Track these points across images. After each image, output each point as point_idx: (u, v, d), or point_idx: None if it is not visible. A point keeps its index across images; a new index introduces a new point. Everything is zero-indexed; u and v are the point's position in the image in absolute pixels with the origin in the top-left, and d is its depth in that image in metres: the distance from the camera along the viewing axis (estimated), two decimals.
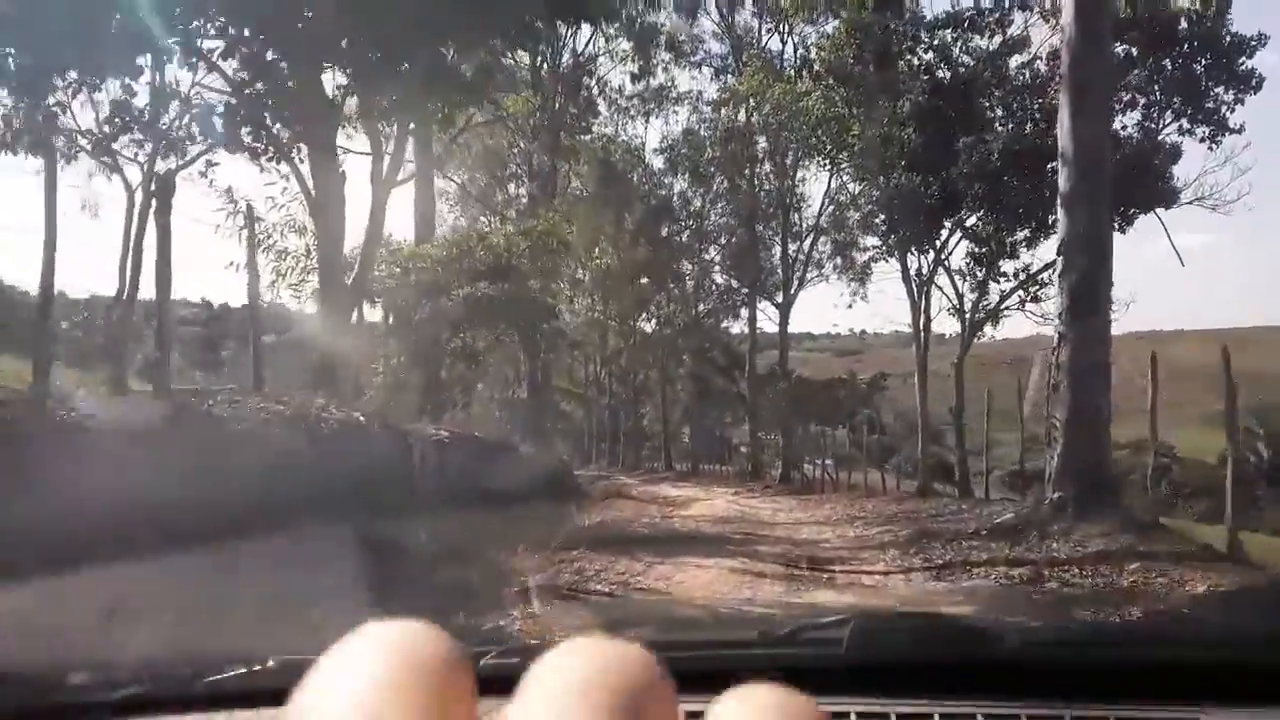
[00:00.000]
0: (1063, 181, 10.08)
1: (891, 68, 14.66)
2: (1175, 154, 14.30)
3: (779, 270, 29.17)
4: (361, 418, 7.39)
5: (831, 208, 27.40)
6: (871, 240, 21.69)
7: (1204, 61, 13.86)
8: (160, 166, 7.97)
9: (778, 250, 29.11)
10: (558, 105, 28.80)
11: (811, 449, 28.11)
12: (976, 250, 14.50)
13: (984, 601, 5.36)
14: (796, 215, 28.37)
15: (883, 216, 15.96)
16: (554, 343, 15.53)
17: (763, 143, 27.57)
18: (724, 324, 39.25)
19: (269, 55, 6.98)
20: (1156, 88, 13.99)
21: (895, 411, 31.52)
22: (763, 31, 29.08)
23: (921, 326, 16.57)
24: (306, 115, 7.03)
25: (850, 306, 29.28)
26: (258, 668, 1.17)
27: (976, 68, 14.39)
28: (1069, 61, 9.94)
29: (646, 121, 39.43)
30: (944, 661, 1.09)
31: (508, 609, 5.82)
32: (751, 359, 32.20)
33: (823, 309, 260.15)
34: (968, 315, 15.48)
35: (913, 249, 16.11)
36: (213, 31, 6.95)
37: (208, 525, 4.94)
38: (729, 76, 23.78)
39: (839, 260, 27.97)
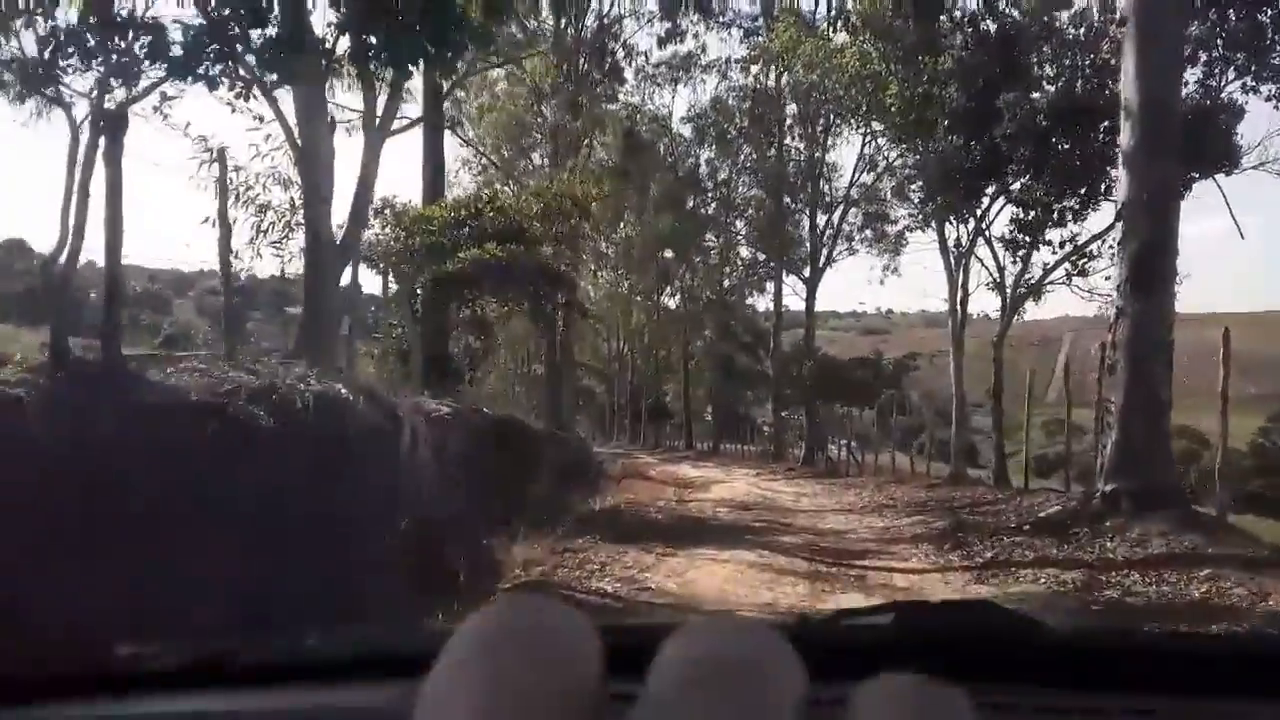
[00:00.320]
0: (1125, 137, 9.08)
1: (932, 21, 13.58)
2: (1239, 113, 13.18)
3: (807, 243, 28.17)
4: (344, 390, 6.58)
5: (864, 176, 26.36)
6: (906, 209, 20.67)
7: (1270, 13, 12.71)
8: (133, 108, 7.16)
9: (806, 222, 28.09)
10: (581, 69, 27.78)
11: (836, 430, 27.21)
12: (1022, 216, 13.46)
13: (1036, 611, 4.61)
14: (827, 185, 27.32)
15: (920, 182, 14.93)
16: (569, 314, 14.64)
17: (792, 108, 26.51)
18: (749, 300, 38.40)
19: None
20: (1218, 42, 12.87)
21: (922, 392, 30.51)
22: None
23: (959, 302, 15.59)
24: (287, 45, 6.23)
25: (883, 282, 28.16)
26: (299, 643, 1.24)
27: (1023, 20, 13.30)
28: (1135, 2, 8.91)
29: (674, 90, 38.39)
30: (991, 649, 1.06)
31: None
32: (776, 336, 31.30)
33: (850, 287, 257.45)
34: (1009, 290, 14.47)
35: (951, 217, 15.09)
36: None
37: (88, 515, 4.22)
38: (759, 37, 22.69)
39: (869, 232, 26.91)
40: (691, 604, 6.42)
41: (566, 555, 8.41)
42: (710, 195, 33.68)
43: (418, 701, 0.29)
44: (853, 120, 18.60)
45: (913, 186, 15.66)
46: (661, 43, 31.63)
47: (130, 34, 5.46)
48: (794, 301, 30.30)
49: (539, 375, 32.23)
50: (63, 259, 5.79)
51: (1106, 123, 12.80)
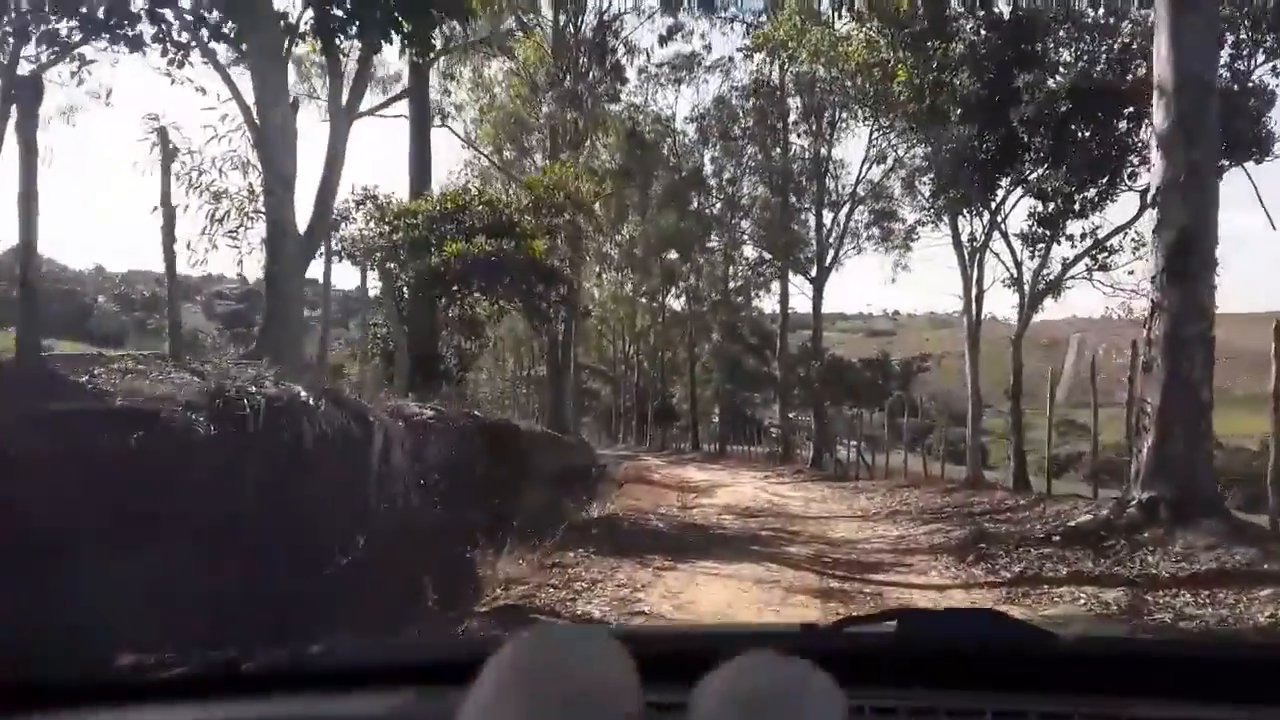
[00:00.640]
0: (1158, 118, 8.39)
1: (942, 5, 12.90)
2: (1270, 99, 12.47)
3: (813, 242, 27.47)
4: (304, 393, 5.90)
5: (871, 171, 25.65)
6: (917, 204, 19.93)
7: None
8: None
9: (812, 220, 27.38)
10: (581, 67, 27.12)
11: (845, 431, 26.49)
12: (1041, 209, 12.75)
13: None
14: (833, 182, 26.60)
15: (931, 175, 14.21)
16: (570, 313, 13.94)
17: (797, 102, 25.82)
18: (755, 301, 37.78)
19: None
20: (1245, 22, 12.16)
21: (930, 393, 29.82)
22: None
23: (974, 299, 14.85)
24: (235, 9, 5.60)
25: (894, 280, 27.43)
26: (303, 652, 1.24)
27: (1038, 2, 12.61)
28: None
29: (677, 90, 37.81)
30: (996, 656, 1.06)
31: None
32: (783, 337, 30.62)
33: (856, 288, 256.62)
34: (1026, 286, 13.74)
35: (965, 211, 14.38)
36: None
37: None
38: (764, 27, 22.07)
39: (877, 230, 26.19)
40: None
41: (554, 571, 7.75)
42: (715, 195, 33.04)
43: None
44: (860, 111, 17.90)
45: (923, 180, 14.97)
46: (663, 40, 31.08)
47: None
48: (800, 303, 29.65)
49: (542, 377, 31.65)
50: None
51: (1130, 109, 12.13)
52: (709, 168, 32.97)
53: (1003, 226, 14.09)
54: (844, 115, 24.10)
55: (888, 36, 13.66)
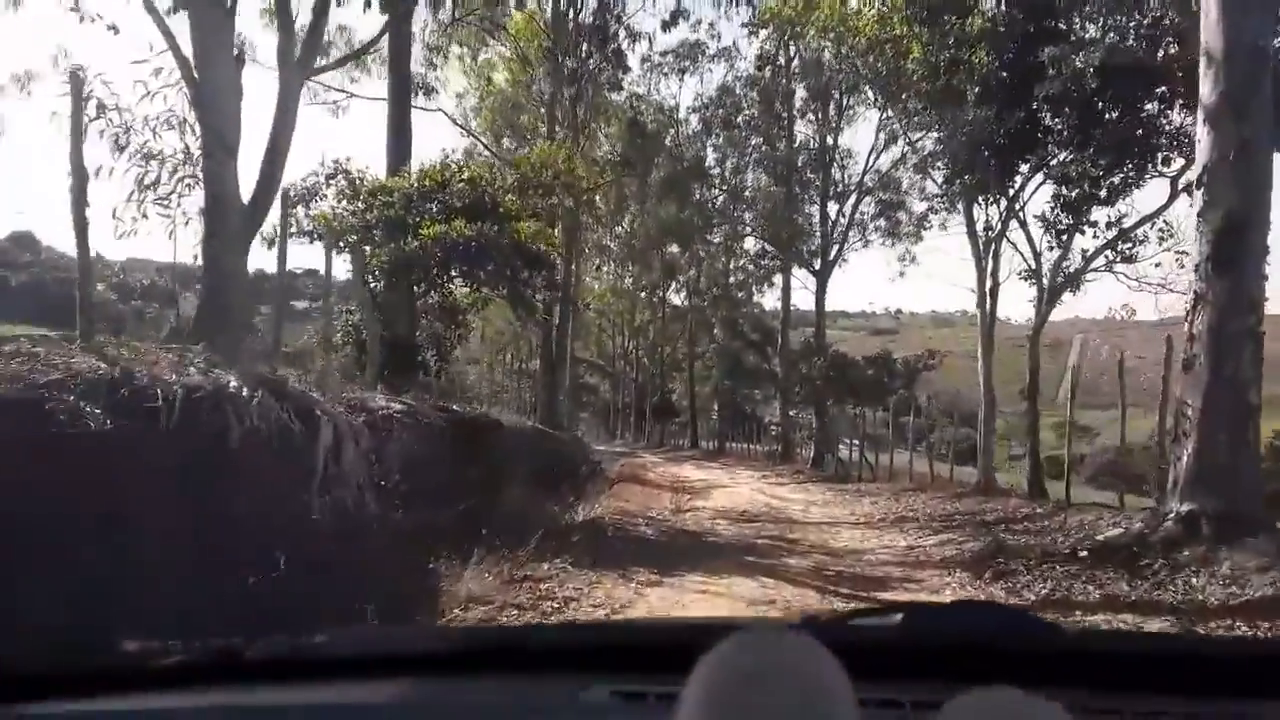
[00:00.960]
0: (1206, 89, 7.56)
1: None
2: None
3: (817, 235, 26.60)
4: (234, 382, 5.08)
5: (880, 160, 24.77)
6: (929, 192, 19.05)
7: None
8: None
9: (816, 211, 26.51)
10: (581, 52, 26.23)
11: (847, 430, 25.66)
12: (1065, 193, 11.87)
13: None
14: (840, 172, 25.71)
15: (946, 159, 13.33)
16: (563, 304, 13.10)
17: (802, 89, 24.95)
18: (757, 296, 37.03)
19: None
20: None
21: (933, 393, 29.00)
22: None
23: (989, 291, 13.97)
24: None
25: (902, 274, 26.62)
26: (306, 640, 1.22)
27: None
28: None
29: (680, 80, 37.00)
30: (1003, 650, 1.06)
31: None
32: (784, 333, 29.80)
33: (858, 286, 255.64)
34: (1045, 279, 12.88)
35: (981, 198, 13.52)
36: None
37: None
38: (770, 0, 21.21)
39: (884, 222, 25.32)
40: None
41: (525, 586, 6.93)
42: (717, 186, 32.24)
43: None
44: (870, 93, 17.01)
45: (937, 165, 14.08)
46: (666, 26, 30.22)
47: None
48: (802, 300, 28.96)
49: (534, 371, 30.89)
50: None
51: (1162, 88, 11.28)
52: (711, 158, 32.17)
53: (1021, 214, 13.24)
54: (852, 100, 23.24)
55: (901, 11, 12.81)
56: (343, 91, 20.15)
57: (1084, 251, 12.80)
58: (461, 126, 26.58)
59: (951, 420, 21.13)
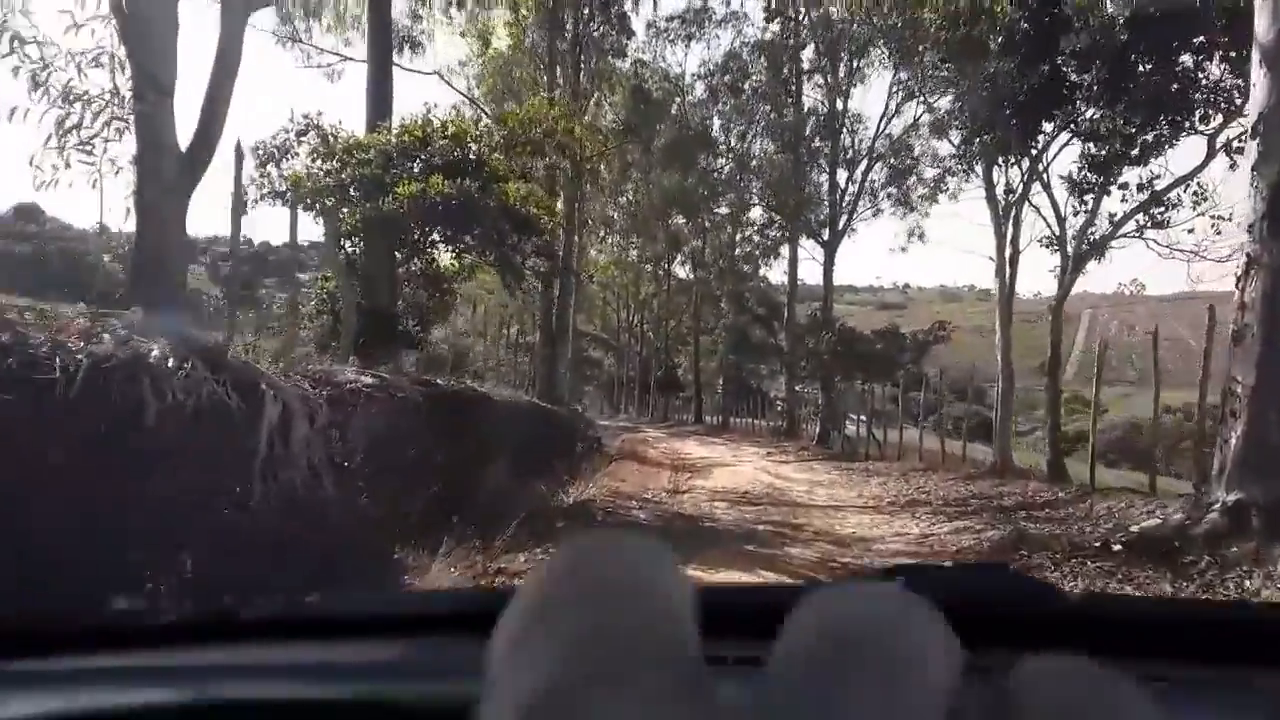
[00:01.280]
0: (1263, 23, 6.75)
1: None
2: None
3: (826, 204, 25.71)
4: (156, 351, 4.37)
5: (891, 125, 23.83)
6: (944, 155, 18.14)
7: None
8: None
9: (825, 180, 25.59)
10: (583, 15, 25.23)
11: (855, 406, 24.92)
12: (1094, 151, 11.02)
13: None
14: (850, 138, 24.76)
15: (964, 118, 12.44)
16: (545, 269, 12.32)
17: (811, 51, 23.99)
18: (763, 269, 36.24)
19: None
20: None
21: (941, 368, 28.34)
22: None
23: (1008, 260, 13.14)
24: None
25: (913, 241, 25.68)
26: (299, 601, 1.25)
27: None
28: None
29: (687, 46, 36.02)
30: (1002, 614, 1.03)
31: None
32: (791, 306, 29.02)
33: (866, 260, 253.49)
34: (1070, 245, 12.03)
35: (1001, 159, 12.66)
36: None
37: None
38: None
39: (895, 190, 24.43)
40: None
41: (497, 579, 6.25)
42: (723, 154, 31.34)
43: (493, 645, 0.26)
44: (884, 48, 16.07)
45: (955, 123, 13.20)
46: None
47: None
48: (809, 273, 28.25)
49: (533, 344, 30.21)
50: None
51: (1200, 38, 10.41)
52: (717, 126, 31.29)
53: (1045, 176, 12.38)
54: (863, 62, 22.28)
55: None
56: (336, 55, 19.32)
57: (1111, 216, 11.98)
58: (450, 84, 25.63)
59: (964, 397, 20.37)
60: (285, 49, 21.34)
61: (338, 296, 10.38)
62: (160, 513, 4.34)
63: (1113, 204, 12.66)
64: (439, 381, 10.81)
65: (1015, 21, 11.13)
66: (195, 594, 3.97)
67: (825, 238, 25.51)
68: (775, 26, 26.37)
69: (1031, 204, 12.90)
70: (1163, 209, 11.51)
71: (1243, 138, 10.85)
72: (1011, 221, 13.09)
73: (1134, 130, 10.40)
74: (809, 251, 27.26)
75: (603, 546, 0.29)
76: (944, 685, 0.26)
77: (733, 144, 31.29)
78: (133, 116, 5.76)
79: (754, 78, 28.98)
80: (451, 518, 7.81)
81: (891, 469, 15.52)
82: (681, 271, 45.38)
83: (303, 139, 9.89)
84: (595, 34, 26.31)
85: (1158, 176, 11.22)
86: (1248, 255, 6.65)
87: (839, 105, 24.85)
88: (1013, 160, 12.66)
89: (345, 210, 10.10)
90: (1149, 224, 11.65)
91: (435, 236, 10.65)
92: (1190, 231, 11.46)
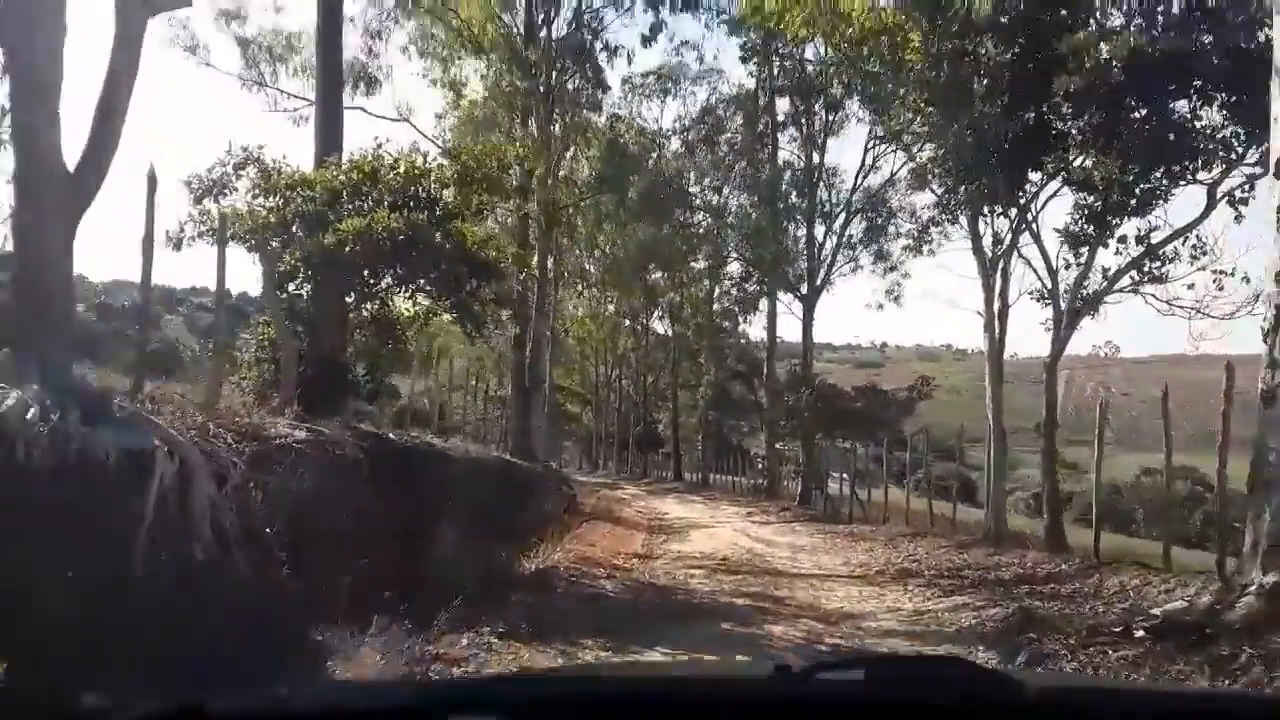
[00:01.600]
0: None
1: None
2: None
3: (804, 258, 25.25)
4: (10, 400, 3.52)
5: (869, 179, 23.51)
6: (918, 213, 17.67)
7: None
8: None
9: (803, 233, 25.17)
10: (557, 70, 24.76)
11: (837, 464, 24.15)
12: (1088, 201, 10.44)
13: None
14: (827, 191, 24.41)
15: (948, 164, 11.86)
16: (508, 317, 11.52)
17: (785, 105, 23.72)
18: (742, 326, 35.79)
19: None
20: None
21: (921, 428, 27.80)
22: None
23: (996, 315, 12.49)
24: None
25: (892, 298, 25.05)
26: (269, 693, 1.33)
27: None
28: None
29: (662, 102, 35.94)
30: (963, 707, 1.10)
31: None
32: (770, 362, 28.39)
33: (843, 319, 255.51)
34: (1064, 299, 11.38)
35: (987, 209, 12.10)
36: None
37: None
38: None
39: (875, 246, 24.01)
40: None
41: (434, 668, 5.36)
42: (700, 209, 31.05)
43: None
44: (862, 91, 15.57)
45: (937, 170, 12.65)
46: (646, 40, 29.06)
47: None
48: (787, 331, 27.64)
49: (505, 399, 29.33)
50: None
51: (1197, 82, 9.96)
52: (694, 183, 31.07)
53: (1035, 226, 11.82)
54: (839, 114, 22.01)
55: None
56: (301, 98, 18.71)
57: (1105, 270, 11.40)
58: (415, 127, 25.09)
59: (950, 456, 19.64)
60: (251, 93, 20.72)
61: (277, 342, 9.54)
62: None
63: (1106, 257, 12.14)
64: (390, 436, 9.96)
65: (1002, 63, 10.67)
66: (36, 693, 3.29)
67: (803, 292, 24.99)
68: (750, 81, 26.19)
69: (1022, 255, 12.34)
70: (1159, 263, 10.97)
71: (1244, 188, 10.37)
72: (1000, 274, 12.51)
73: (1131, 179, 9.85)
74: (787, 306, 26.79)
75: None
76: None
77: (709, 197, 31.02)
78: (10, 127, 5.02)
79: (729, 133, 28.86)
80: (401, 588, 6.95)
81: (878, 532, 14.70)
82: (660, 327, 44.93)
83: (241, 172, 9.14)
84: (570, 86, 25.95)
85: (1155, 228, 10.70)
86: (1276, 307, 5.99)
87: (815, 159, 24.56)
88: (999, 210, 12.12)
89: (286, 249, 9.33)
90: (1146, 279, 11.09)
91: (388, 280, 9.90)
92: (1190, 287, 10.90)
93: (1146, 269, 11.20)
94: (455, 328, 12.92)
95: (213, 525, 5.44)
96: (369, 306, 10.30)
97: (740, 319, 35.21)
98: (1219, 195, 10.24)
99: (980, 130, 10.90)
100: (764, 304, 28.46)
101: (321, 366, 9.82)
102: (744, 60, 23.78)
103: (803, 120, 23.86)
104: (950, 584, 8.96)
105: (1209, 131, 10.11)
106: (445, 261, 9.39)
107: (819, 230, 24.86)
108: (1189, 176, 10.17)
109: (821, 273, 24.70)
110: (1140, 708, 1.22)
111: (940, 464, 25.29)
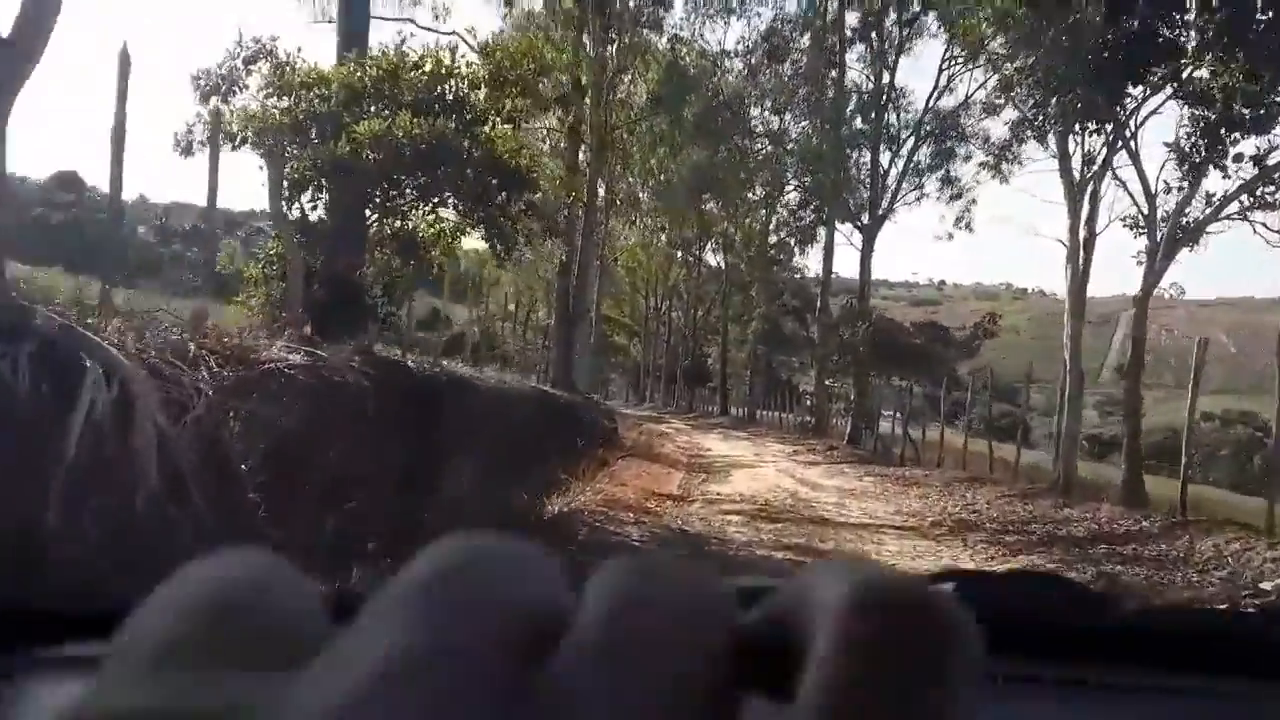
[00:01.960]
0: None
1: None
2: None
3: (866, 186, 23.88)
4: None
5: (941, 100, 21.96)
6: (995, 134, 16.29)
7: None
8: None
9: (866, 158, 23.75)
10: None
11: (889, 403, 23.13)
12: (1201, 114, 9.11)
13: None
14: (895, 114, 22.90)
15: (1037, 77, 10.51)
16: (533, 229, 10.55)
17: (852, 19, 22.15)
18: (796, 259, 34.56)
19: None
20: None
21: (982, 366, 26.53)
22: None
23: (1082, 244, 11.25)
24: None
25: (960, 228, 23.72)
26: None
27: None
28: None
29: (726, 22, 34.29)
30: (1058, 624, 1.02)
31: None
32: (824, 295, 27.18)
33: (900, 256, 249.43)
34: (1161, 227, 10.13)
35: (1078, 125, 10.77)
36: None
37: None
38: None
39: (943, 169, 22.55)
40: None
41: None
42: (759, 134, 29.68)
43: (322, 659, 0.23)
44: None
45: (1026, 82, 11.28)
46: None
47: None
48: (843, 266, 26.42)
49: (548, 327, 28.75)
50: None
51: None
52: (754, 104, 29.65)
53: (1133, 144, 10.49)
54: (913, 28, 20.43)
55: None
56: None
57: (1209, 195, 10.09)
58: (470, 45, 24.01)
59: (1010, 398, 18.48)
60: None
61: (285, 258, 8.82)
62: None
63: (1209, 182, 10.69)
64: (408, 364, 9.27)
65: None
66: None
67: (864, 222, 23.69)
68: None
69: (1117, 178, 11.02)
70: (1274, 188, 9.63)
71: None
72: (1088, 199, 11.24)
73: (1258, 88, 8.50)
74: (846, 237, 25.52)
75: (469, 546, 0.23)
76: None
77: (769, 122, 29.59)
78: None
79: (794, 53, 27.38)
80: (405, 532, 6.32)
81: (932, 477, 13.78)
82: (712, 259, 43.81)
83: (252, 68, 8.33)
84: (631, 3, 24.68)
85: (1275, 148, 9.33)
86: None
87: (884, 79, 22.99)
88: (1092, 127, 10.79)
89: (297, 154, 8.55)
90: (1255, 205, 9.78)
91: (410, 192, 9.09)
92: None
93: (1260, 193, 9.87)
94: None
95: (166, 465, 4.78)
96: (389, 222, 9.53)
97: (796, 250, 33.97)
98: None
99: (1078, 36, 9.57)
100: (821, 235, 27.22)
101: (334, 286, 9.11)
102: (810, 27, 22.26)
103: (872, 36, 22.26)
104: (1016, 540, 8.05)
105: None
106: (473, 170, 8.55)
107: (884, 157, 23.43)
108: None
109: (885, 201, 23.34)
110: (1245, 631, 1.06)
111: (996, 405, 24.22)
